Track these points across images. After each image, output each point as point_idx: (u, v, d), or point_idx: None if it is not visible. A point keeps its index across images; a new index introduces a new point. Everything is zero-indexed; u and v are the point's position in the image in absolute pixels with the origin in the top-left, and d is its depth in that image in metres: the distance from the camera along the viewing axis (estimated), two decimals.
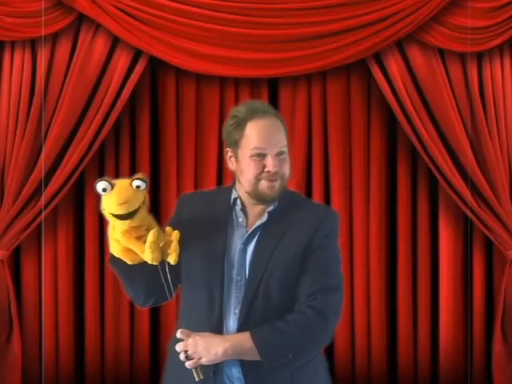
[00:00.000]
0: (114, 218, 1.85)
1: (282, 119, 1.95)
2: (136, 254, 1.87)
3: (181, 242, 1.89)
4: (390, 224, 3.81)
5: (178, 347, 1.84)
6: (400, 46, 3.60)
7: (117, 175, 3.76)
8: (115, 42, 3.58)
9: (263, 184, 1.90)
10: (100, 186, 1.82)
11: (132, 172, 3.76)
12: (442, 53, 3.60)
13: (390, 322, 3.79)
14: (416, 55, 3.59)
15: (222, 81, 3.72)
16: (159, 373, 3.80)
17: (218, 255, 1.91)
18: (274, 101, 3.73)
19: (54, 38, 3.58)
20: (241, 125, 1.91)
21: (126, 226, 1.84)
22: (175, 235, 1.89)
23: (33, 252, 3.73)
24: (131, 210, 1.82)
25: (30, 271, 3.74)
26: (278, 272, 1.87)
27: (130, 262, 1.89)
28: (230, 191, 2.00)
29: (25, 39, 3.56)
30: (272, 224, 1.92)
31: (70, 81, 3.56)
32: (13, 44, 3.59)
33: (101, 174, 3.77)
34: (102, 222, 3.78)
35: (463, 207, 3.64)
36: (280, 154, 1.89)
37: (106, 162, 3.77)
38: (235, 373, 1.88)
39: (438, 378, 3.77)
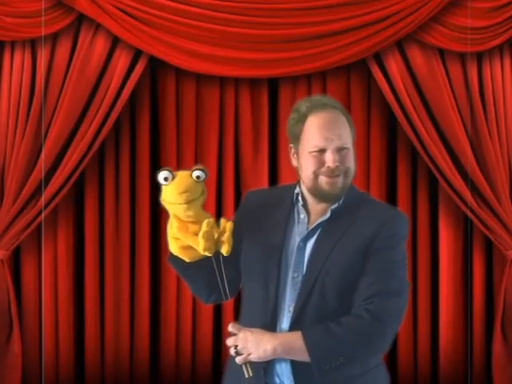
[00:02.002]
0: (174, 205, 1.86)
1: (348, 114, 1.89)
2: (193, 251, 1.87)
3: (234, 233, 1.88)
4: None
5: (229, 341, 1.83)
6: (400, 45, 3.60)
7: (117, 175, 3.76)
8: (115, 41, 3.58)
9: (322, 180, 1.84)
10: (162, 175, 1.84)
11: (132, 172, 3.76)
12: (442, 53, 3.60)
13: None
14: (416, 55, 3.59)
15: (222, 81, 3.72)
16: (159, 373, 3.83)
17: (275, 249, 1.88)
18: (273, 101, 3.73)
19: (54, 38, 3.58)
20: (301, 119, 1.87)
21: (183, 211, 1.85)
22: (229, 226, 1.89)
23: (33, 252, 3.73)
24: (191, 199, 1.84)
25: (30, 271, 3.74)
26: (335, 271, 1.81)
27: (188, 260, 1.90)
28: (294, 187, 1.96)
29: (25, 39, 3.56)
30: (334, 222, 1.86)
31: (69, 81, 3.55)
32: (13, 44, 3.58)
33: (101, 174, 3.77)
34: (102, 222, 3.78)
35: (463, 207, 3.64)
36: (341, 149, 1.83)
37: (105, 162, 3.77)
38: (285, 371, 1.84)
39: (438, 378, 3.77)
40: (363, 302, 1.79)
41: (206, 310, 3.71)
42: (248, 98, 3.72)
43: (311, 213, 1.91)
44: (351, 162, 1.87)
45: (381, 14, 3.52)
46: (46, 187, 3.58)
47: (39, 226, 3.64)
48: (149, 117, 3.76)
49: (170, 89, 3.74)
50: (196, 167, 1.88)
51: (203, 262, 1.89)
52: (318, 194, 1.87)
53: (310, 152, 1.85)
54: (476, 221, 3.64)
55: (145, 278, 3.76)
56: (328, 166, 1.83)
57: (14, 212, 3.59)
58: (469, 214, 3.64)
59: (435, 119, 3.60)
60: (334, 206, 1.88)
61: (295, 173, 1.96)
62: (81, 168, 3.62)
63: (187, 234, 1.87)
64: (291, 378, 1.84)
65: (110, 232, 3.76)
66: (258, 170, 3.74)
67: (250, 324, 1.85)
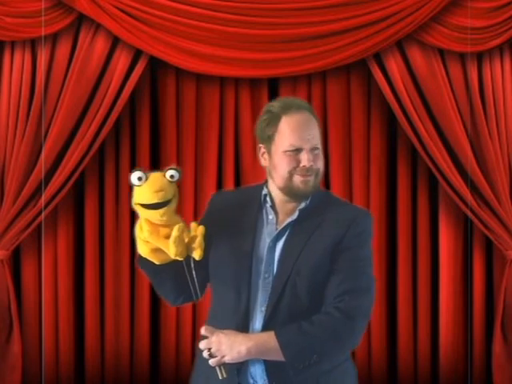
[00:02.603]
0: (147, 209, 1.83)
1: (316, 116, 1.93)
2: (163, 254, 1.86)
3: (206, 237, 1.88)
4: (390, 224, 3.81)
5: (202, 345, 1.82)
6: (400, 45, 3.61)
7: (117, 175, 3.76)
8: (115, 41, 3.58)
9: (297, 179, 1.87)
10: (135, 175, 1.81)
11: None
12: (442, 53, 3.60)
13: (390, 322, 3.79)
14: (416, 55, 3.59)
15: (222, 81, 3.72)
16: (159, 373, 3.82)
17: (246, 252, 1.89)
18: None
19: (54, 38, 3.58)
20: (274, 120, 1.89)
21: (158, 217, 1.82)
22: (200, 230, 1.87)
23: (33, 252, 3.73)
24: (166, 198, 1.81)
25: (30, 271, 3.74)
26: (305, 270, 1.84)
27: (157, 263, 1.89)
28: (262, 188, 1.97)
29: (25, 39, 3.56)
30: (302, 222, 1.89)
31: (69, 81, 3.56)
32: (13, 44, 3.59)
33: (101, 174, 3.77)
34: (101, 222, 3.78)
35: (463, 207, 3.64)
36: (314, 149, 1.87)
37: (105, 162, 3.77)
38: (259, 372, 1.86)
39: (438, 378, 3.77)
40: (334, 299, 1.83)
41: (206, 310, 3.69)
42: (248, 97, 3.72)
43: (279, 213, 1.93)
44: (321, 163, 1.91)
45: (381, 14, 3.52)
46: (46, 187, 3.58)
47: (39, 226, 3.65)
48: (149, 117, 3.76)
49: (170, 89, 3.74)
50: (169, 167, 1.85)
51: (173, 264, 1.88)
52: (291, 192, 1.90)
53: (284, 151, 1.87)
54: (476, 221, 3.64)
55: (145, 278, 3.74)
56: (303, 166, 1.86)
57: (14, 212, 3.59)
58: (469, 213, 3.64)
59: (435, 119, 3.60)
60: (301, 206, 1.91)
61: None
62: (81, 168, 3.62)
63: (159, 238, 1.85)
64: (264, 377, 1.85)
65: (109, 232, 3.76)
66: (258, 170, 3.73)
67: (222, 325, 1.85)
